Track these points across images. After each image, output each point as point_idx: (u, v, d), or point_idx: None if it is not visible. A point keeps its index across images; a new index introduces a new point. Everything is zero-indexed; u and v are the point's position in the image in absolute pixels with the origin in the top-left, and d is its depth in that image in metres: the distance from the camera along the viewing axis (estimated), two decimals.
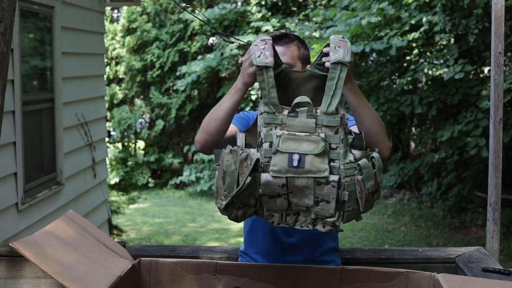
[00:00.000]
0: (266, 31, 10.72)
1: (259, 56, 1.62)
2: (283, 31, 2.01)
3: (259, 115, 1.66)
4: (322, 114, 1.58)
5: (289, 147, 1.56)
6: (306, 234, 1.93)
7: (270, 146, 1.58)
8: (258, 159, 1.58)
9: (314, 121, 1.58)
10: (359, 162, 1.59)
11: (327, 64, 1.63)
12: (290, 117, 1.59)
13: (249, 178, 1.57)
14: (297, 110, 1.59)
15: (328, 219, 1.58)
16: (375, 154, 1.63)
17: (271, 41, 1.65)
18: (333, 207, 1.56)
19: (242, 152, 1.61)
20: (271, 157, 1.57)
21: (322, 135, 1.56)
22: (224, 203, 1.61)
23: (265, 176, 1.57)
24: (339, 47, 1.63)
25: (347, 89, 1.76)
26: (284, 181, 1.55)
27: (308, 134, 1.57)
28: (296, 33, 9.35)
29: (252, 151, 1.62)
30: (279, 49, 1.94)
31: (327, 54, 1.67)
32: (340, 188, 1.55)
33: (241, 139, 1.69)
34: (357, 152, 1.61)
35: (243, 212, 1.64)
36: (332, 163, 1.56)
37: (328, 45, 1.66)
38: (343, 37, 1.66)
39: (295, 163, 1.54)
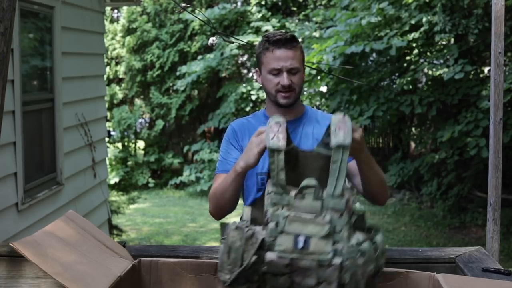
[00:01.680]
0: (266, 31, 10.72)
1: (272, 139, 1.66)
2: (288, 33, 2.05)
3: (266, 194, 1.69)
4: (328, 197, 1.61)
5: (295, 229, 1.59)
6: None
7: (276, 225, 1.61)
8: (263, 239, 1.61)
9: (320, 204, 1.62)
10: (362, 246, 1.61)
11: (331, 144, 1.67)
12: (297, 199, 1.63)
13: (254, 257, 1.61)
14: (304, 192, 1.63)
15: None
16: (378, 238, 1.68)
17: (285, 124, 1.69)
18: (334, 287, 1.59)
19: (248, 229, 1.65)
20: (277, 237, 1.60)
21: (328, 217, 1.60)
22: (228, 278, 1.64)
23: (270, 255, 1.60)
24: (339, 129, 1.66)
25: (361, 161, 1.84)
26: (288, 261, 1.58)
27: (314, 216, 1.61)
28: (296, 33, 9.31)
29: (258, 229, 1.65)
30: (288, 52, 2.00)
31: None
32: (342, 271, 1.58)
33: (247, 213, 1.73)
34: (360, 236, 1.64)
35: (246, 287, 1.68)
36: (335, 245, 1.59)
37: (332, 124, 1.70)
38: (344, 115, 1.68)
39: (300, 245, 1.57)
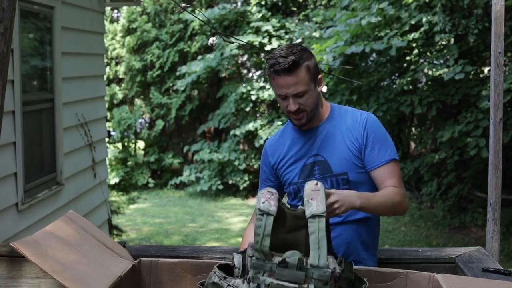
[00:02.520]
0: (266, 31, 10.72)
1: (263, 202, 1.64)
2: (290, 57, 1.94)
3: (248, 256, 1.66)
4: (312, 268, 1.57)
5: None
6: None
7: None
8: None
9: (304, 274, 1.57)
10: None
11: (306, 215, 1.64)
12: (280, 267, 1.59)
13: None
14: (288, 261, 1.58)
15: None
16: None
17: (277, 195, 1.68)
18: None
19: (227, 285, 1.63)
20: None
21: (312, 286, 1.57)
22: None
23: None
24: (311, 199, 1.64)
25: (359, 208, 1.86)
26: None
27: (297, 286, 1.57)
28: (296, 33, 9.24)
29: (238, 282, 1.64)
30: (288, 79, 1.95)
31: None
32: None
33: (238, 260, 1.71)
34: None
35: None
36: None
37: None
38: (316, 183, 1.69)
39: None
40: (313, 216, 1.60)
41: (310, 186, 1.68)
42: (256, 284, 1.59)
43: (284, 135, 2.18)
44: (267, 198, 1.65)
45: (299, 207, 1.74)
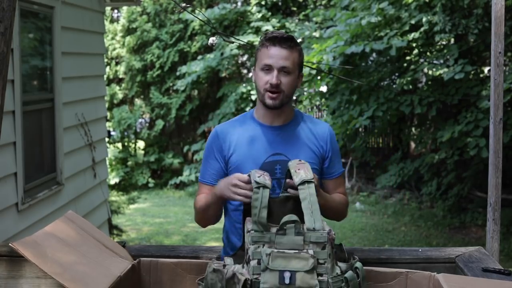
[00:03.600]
0: (266, 31, 10.71)
1: (259, 177, 1.70)
2: (288, 34, 2.01)
3: (246, 232, 1.69)
4: (309, 231, 1.63)
5: (279, 265, 1.60)
6: None
7: (259, 263, 1.61)
8: (246, 280, 1.61)
9: (302, 238, 1.62)
10: (345, 275, 1.65)
11: (296, 182, 1.72)
12: (279, 235, 1.63)
13: None
14: (285, 228, 1.63)
15: None
16: (358, 264, 1.70)
17: (269, 176, 1.74)
18: None
19: (227, 270, 1.65)
20: (260, 274, 1.61)
21: (311, 251, 1.62)
22: None
23: None
24: (298, 169, 1.73)
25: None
26: None
27: (297, 251, 1.61)
28: (296, 33, 9.28)
29: (237, 268, 1.66)
30: (282, 51, 1.95)
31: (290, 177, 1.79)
32: None
33: (230, 261, 1.72)
34: (342, 265, 1.68)
35: None
36: (320, 277, 1.61)
37: (289, 172, 1.78)
38: (300, 160, 1.80)
39: (286, 281, 1.59)
40: (303, 182, 1.69)
41: (295, 162, 1.78)
42: (256, 260, 1.62)
43: (243, 126, 2.08)
44: (261, 174, 1.72)
45: (280, 194, 1.83)
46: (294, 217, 1.64)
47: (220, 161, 2.06)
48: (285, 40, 1.96)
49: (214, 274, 1.66)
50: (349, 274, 1.65)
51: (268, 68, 1.96)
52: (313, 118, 2.19)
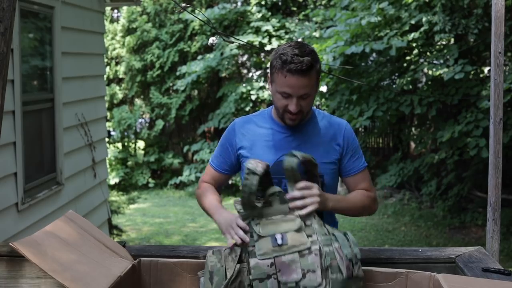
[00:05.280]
0: (266, 31, 10.71)
1: (251, 164, 1.76)
2: (306, 60, 1.89)
3: (237, 211, 1.81)
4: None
5: (270, 230, 1.71)
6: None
7: (252, 236, 1.73)
8: (241, 248, 1.75)
9: (287, 206, 1.76)
10: (333, 233, 1.74)
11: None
12: (266, 207, 1.76)
13: (237, 265, 1.72)
14: (270, 199, 1.76)
15: None
16: (347, 232, 1.78)
17: (266, 167, 1.78)
18: (319, 275, 1.66)
19: (225, 248, 1.78)
20: (255, 245, 1.71)
21: (296, 213, 1.74)
22: None
23: (253, 260, 1.69)
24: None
25: (332, 211, 1.99)
26: (272, 260, 1.68)
27: (283, 215, 1.74)
28: (296, 33, 9.23)
29: (236, 249, 1.79)
30: (301, 80, 1.90)
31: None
32: (322, 257, 1.68)
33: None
34: (329, 227, 1.77)
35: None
36: (310, 238, 1.70)
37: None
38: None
39: (279, 242, 1.69)
40: (290, 154, 1.79)
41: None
42: (249, 233, 1.74)
43: (259, 123, 2.11)
44: (256, 162, 1.77)
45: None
46: (277, 188, 1.76)
47: (231, 152, 2.12)
48: (304, 72, 1.88)
49: (213, 256, 1.76)
50: (337, 232, 1.74)
51: (287, 95, 1.93)
52: (331, 116, 2.16)
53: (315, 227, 1.71)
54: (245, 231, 1.75)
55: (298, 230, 1.70)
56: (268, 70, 2.04)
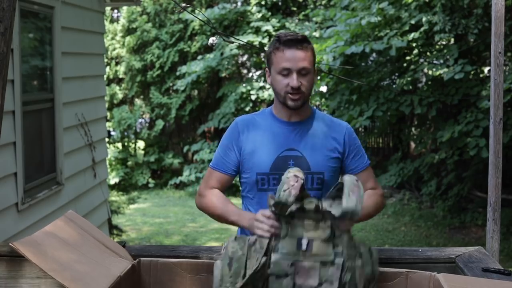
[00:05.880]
0: (266, 31, 10.72)
1: (284, 190, 1.64)
2: (299, 33, 2.04)
3: (268, 206, 1.76)
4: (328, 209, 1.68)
5: (298, 233, 1.67)
6: None
7: (279, 232, 1.69)
8: (269, 241, 1.69)
9: (321, 215, 1.68)
10: (359, 249, 1.70)
11: (344, 208, 1.64)
12: (299, 211, 1.69)
13: (264, 258, 1.66)
14: (305, 207, 1.68)
15: None
16: (371, 247, 1.75)
17: (302, 181, 1.67)
18: (335, 287, 1.63)
19: (250, 238, 1.71)
20: (280, 242, 1.68)
21: (329, 223, 1.67)
22: (238, 285, 1.66)
23: (275, 256, 1.67)
24: (352, 192, 1.63)
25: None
26: (292, 261, 1.66)
27: (316, 222, 1.68)
28: None
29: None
30: (298, 53, 1.98)
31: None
32: (343, 271, 1.65)
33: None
34: (357, 240, 1.72)
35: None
36: (336, 248, 1.66)
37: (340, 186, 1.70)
38: (357, 180, 1.68)
39: (303, 247, 1.65)
40: (347, 212, 1.60)
41: (352, 179, 1.67)
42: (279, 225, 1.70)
43: (261, 120, 2.13)
44: (290, 186, 1.65)
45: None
46: (314, 199, 1.69)
47: (236, 151, 2.09)
48: (301, 42, 1.98)
49: (235, 242, 1.70)
50: (363, 249, 1.69)
51: (287, 72, 1.98)
52: (332, 117, 2.21)
53: (344, 239, 1.67)
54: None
55: (326, 240, 1.66)
56: (266, 65, 2.10)
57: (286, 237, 1.67)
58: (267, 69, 2.10)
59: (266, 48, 2.22)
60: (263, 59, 11.03)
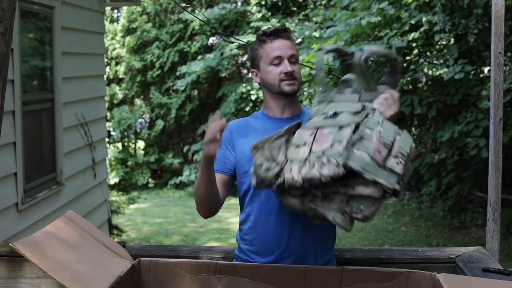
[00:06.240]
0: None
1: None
2: (281, 26, 2.15)
3: (315, 99, 1.93)
4: (365, 90, 1.85)
5: (330, 108, 1.82)
6: (309, 227, 2.00)
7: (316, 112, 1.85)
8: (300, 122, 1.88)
9: (358, 96, 1.84)
10: (383, 123, 1.74)
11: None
12: (338, 94, 1.88)
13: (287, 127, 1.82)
14: (343, 86, 1.85)
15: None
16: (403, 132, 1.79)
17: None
18: (343, 145, 1.68)
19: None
20: (311, 118, 1.84)
21: (362, 103, 1.81)
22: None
23: (299, 130, 1.82)
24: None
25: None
26: (315, 130, 1.77)
27: (351, 103, 1.82)
28: (296, 33, 9.31)
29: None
30: (286, 42, 2.06)
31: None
32: (356, 132, 1.72)
33: None
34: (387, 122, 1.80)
35: (267, 167, 1.78)
36: (362, 119, 1.76)
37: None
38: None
39: (329, 115, 1.79)
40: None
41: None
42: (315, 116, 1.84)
43: (253, 122, 2.12)
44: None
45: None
46: (352, 75, 1.86)
47: (230, 150, 2.09)
48: (285, 31, 2.07)
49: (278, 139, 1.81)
50: (388, 122, 1.75)
51: (278, 61, 2.02)
52: None
53: (371, 118, 1.74)
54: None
55: (354, 113, 1.75)
56: (251, 66, 2.14)
57: (317, 113, 1.82)
58: (253, 70, 2.11)
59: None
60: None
